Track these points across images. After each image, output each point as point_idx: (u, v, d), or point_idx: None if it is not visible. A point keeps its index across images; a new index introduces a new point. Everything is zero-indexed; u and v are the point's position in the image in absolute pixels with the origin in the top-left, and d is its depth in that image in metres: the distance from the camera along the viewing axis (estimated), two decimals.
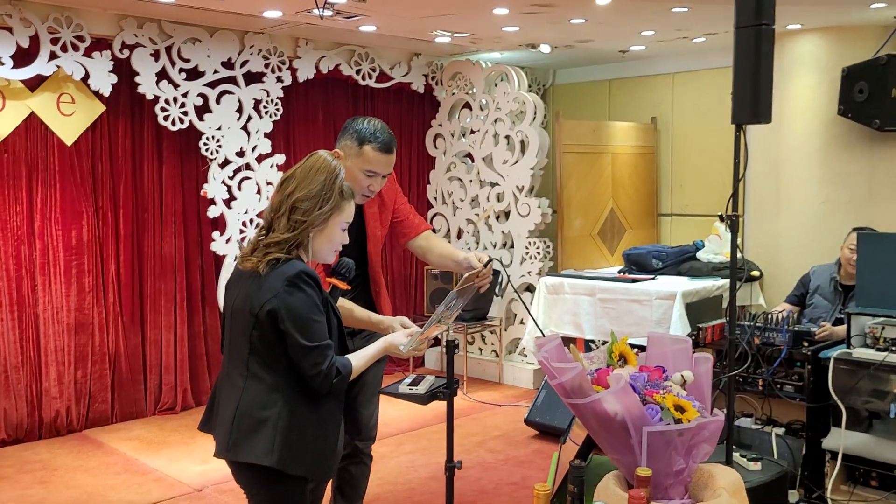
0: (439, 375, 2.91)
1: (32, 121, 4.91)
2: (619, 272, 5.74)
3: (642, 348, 2.26)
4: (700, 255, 5.63)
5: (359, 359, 2.42)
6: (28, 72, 4.73)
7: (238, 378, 2.32)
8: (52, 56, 4.78)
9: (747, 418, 4.07)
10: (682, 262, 5.63)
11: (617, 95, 7.02)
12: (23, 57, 4.70)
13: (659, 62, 6.66)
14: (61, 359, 5.09)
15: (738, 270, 3.57)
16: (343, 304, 2.77)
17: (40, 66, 4.76)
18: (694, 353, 2.16)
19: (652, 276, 5.52)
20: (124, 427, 5.27)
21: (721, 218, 3.52)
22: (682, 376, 2.05)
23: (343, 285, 2.60)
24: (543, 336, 2.51)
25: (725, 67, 6.02)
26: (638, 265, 5.70)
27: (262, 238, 2.33)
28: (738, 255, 3.56)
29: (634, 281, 5.39)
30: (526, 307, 3.00)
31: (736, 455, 3.51)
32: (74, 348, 5.14)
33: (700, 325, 4.27)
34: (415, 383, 2.79)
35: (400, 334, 2.59)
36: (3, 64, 4.62)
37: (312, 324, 2.26)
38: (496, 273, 6.33)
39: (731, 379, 3.46)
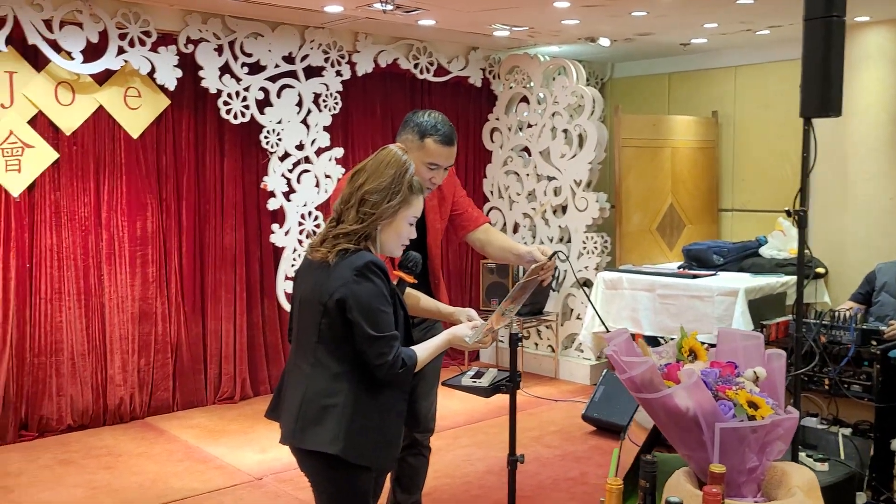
0: (500, 369, 2.90)
1: (100, 114, 5.03)
2: (679, 268, 5.66)
3: (710, 345, 2.23)
4: (763, 251, 5.53)
5: (423, 350, 2.42)
6: (97, 66, 4.84)
7: (305, 366, 2.35)
8: (120, 51, 4.89)
9: (813, 418, 3.97)
10: (745, 258, 5.53)
11: (677, 89, 6.91)
12: (92, 52, 4.82)
13: (721, 55, 6.54)
14: (125, 347, 5.21)
15: (805, 267, 3.49)
16: (410, 293, 2.79)
17: (108, 61, 4.87)
18: (766, 349, 2.11)
19: (713, 272, 5.43)
20: (185, 415, 5.37)
21: (788, 213, 3.42)
22: (755, 372, 2.01)
23: (410, 278, 2.61)
24: (608, 331, 2.48)
25: (790, 60, 5.92)
26: (698, 261, 5.62)
27: (331, 229, 2.36)
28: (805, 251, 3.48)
29: (695, 277, 5.31)
30: (590, 302, 2.98)
31: (802, 455, 3.43)
32: (138, 337, 5.26)
33: (763, 323, 4.19)
34: (478, 376, 2.79)
35: (464, 326, 2.59)
36: (73, 59, 4.74)
37: (380, 314, 2.27)
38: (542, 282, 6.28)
39: (798, 377, 3.38)
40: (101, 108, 5.01)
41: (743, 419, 1.86)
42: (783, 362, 2.05)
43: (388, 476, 3.27)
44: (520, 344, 2.79)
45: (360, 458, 2.32)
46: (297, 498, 4.00)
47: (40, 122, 4.84)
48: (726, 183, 6.66)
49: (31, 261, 4.87)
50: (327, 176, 5.74)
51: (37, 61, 4.77)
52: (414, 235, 2.47)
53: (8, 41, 4.54)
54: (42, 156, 4.83)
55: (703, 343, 2.19)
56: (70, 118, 4.91)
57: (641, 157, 6.15)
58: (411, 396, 3.20)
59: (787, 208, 3.55)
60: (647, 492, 1.67)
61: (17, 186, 4.76)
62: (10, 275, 4.78)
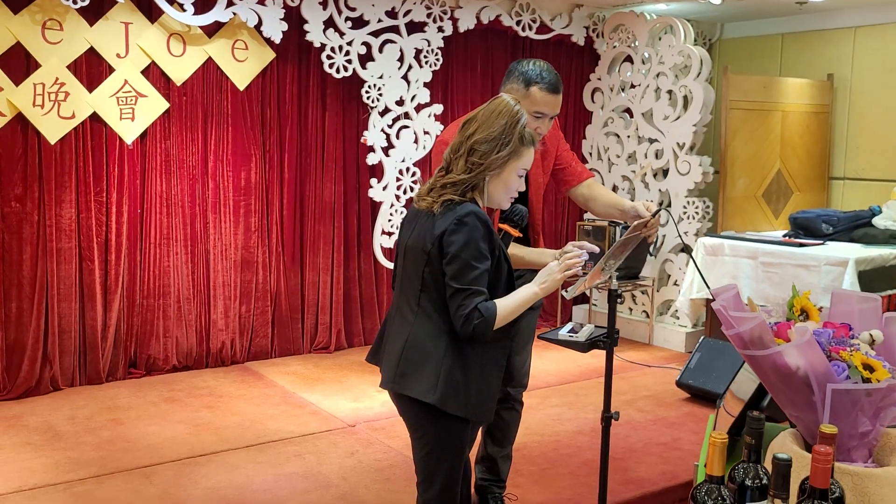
0: (596, 326, 2.87)
1: (209, 66, 5.16)
2: (785, 236, 5.45)
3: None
4: (876, 221, 5.27)
5: (507, 303, 2.29)
6: (207, 18, 4.95)
7: (408, 313, 2.37)
8: (229, 3, 4.98)
9: None
10: (856, 227, 5.28)
11: (790, 50, 6.60)
12: (203, 4, 4.93)
13: (840, 15, 6.20)
14: (228, 293, 5.39)
15: None
16: (514, 249, 2.76)
17: (218, 13, 4.97)
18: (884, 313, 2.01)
19: (821, 242, 5.21)
20: (282, 362, 5.53)
21: None
22: (871, 335, 1.92)
23: (515, 232, 2.59)
24: (711, 294, 2.40)
25: None
26: (805, 229, 5.40)
27: (439, 178, 2.36)
28: None
29: (801, 245, 5.11)
30: (694, 262, 2.90)
31: None
32: (240, 284, 5.42)
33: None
34: (574, 331, 2.76)
35: (553, 264, 2.40)
36: (185, 10, 4.86)
37: (467, 267, 2.24)
38: (645, 240, 6.15)
39: None
40: (209, 59, 5.13)
41: (857, 381, 1.78)
42: None
43: (480, 429, 3.30)
44: (620, 301, 2.74)
45: (457, 410, 2.32)
46: (388, 445, 4.08)
47: (153, 73, 4.99)
48: (839, 150, 6.36)
49: (142, 206, 5.07)
50: (426, 132, 5.75)
51: (150, 13, 4.91)
52: (522, 188, 2.43)
53: None
54: (154, 105, 5.00)
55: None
56: (181, 69, 5.05)
57: (749, 121, 5.92)
58: None
59: None
60: (752, 448, 1.62)
61: (130, 134, 4.94)
62: (122, 219, 4.98)
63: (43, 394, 4.76)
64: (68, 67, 4.71)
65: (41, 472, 3.72)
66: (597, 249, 2.50)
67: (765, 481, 1.60)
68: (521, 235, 2.68)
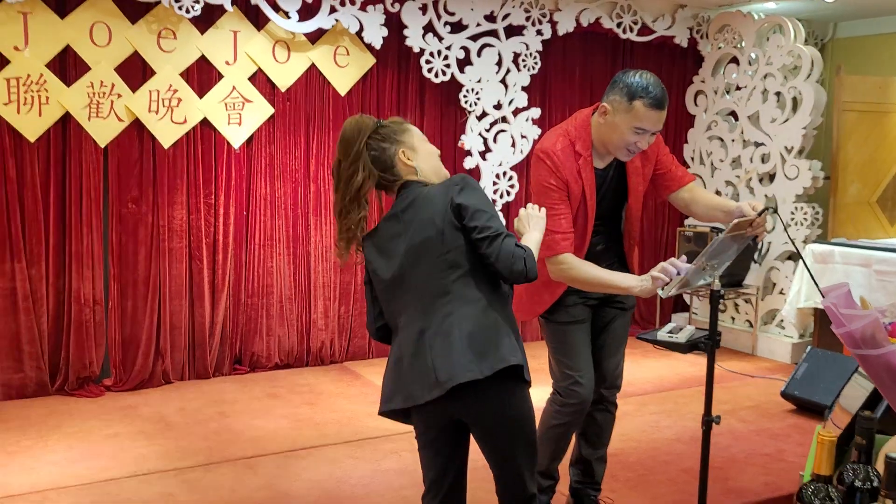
0: (697, 328, 2.79)
1: (312, 72, 5.29)
2: None
3: None
4: None
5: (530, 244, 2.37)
6: (310, 25, 5.09)
7: (439, 313, 2.23)
8: (332, 10, 5.11)
9: None
10: None
11: None
12: (307, 11, 5.07)
13: None
14: (328, 294, 5.50)
15: None
16: (594, 270, 2.73)
17: (321, 20, 5.10)
18: None
19: None
20: (379, 363, 5.56)
21: None
22: None
23: None
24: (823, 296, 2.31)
25: None
26: None
27: (364, 214, 2.41)
28: None
29: None
30: (807, 267, 2.79)
31: None
32: (339, 285, 5.53)
33: None
34: (674, 332, 2.70)
35: (531, 207, 2.52)
36: (290, 18, 5.01)
37: (494, 217, 2.24)
38: (754, 240, 5.96)
39: None
40: (312, 65, 5.27)
41: None
42: None
43: (575, 432, 3.27)
44: (722, 300, 2.67)
45: (527, 373, 2.25)
46: None
47: (259, 79, 5.16)
48: None
49: (248, 209, 5.24)
50: (523, 136, 5.75)
51: (257, 21, 5.08)
52: (438, 152, 2.48)
53: (233, 1, 4.87)
54: (259, 110, 5.17)
55: None
56: (285, 75, 5.21)
57: (864, 123, 5.66)
58: (600, 353, 3.17)
59: None
60: (863, 449, 1.55)
61: (237, 138, 5.13)
62: (229, 221, 5.17)
63: (155, 386, 4.97)
64: (181, 75, 4.92)
65: (154, 459, 3.89)
66: (684, 267, 2.46)
67: (875, 483, 1.53)
68: None
